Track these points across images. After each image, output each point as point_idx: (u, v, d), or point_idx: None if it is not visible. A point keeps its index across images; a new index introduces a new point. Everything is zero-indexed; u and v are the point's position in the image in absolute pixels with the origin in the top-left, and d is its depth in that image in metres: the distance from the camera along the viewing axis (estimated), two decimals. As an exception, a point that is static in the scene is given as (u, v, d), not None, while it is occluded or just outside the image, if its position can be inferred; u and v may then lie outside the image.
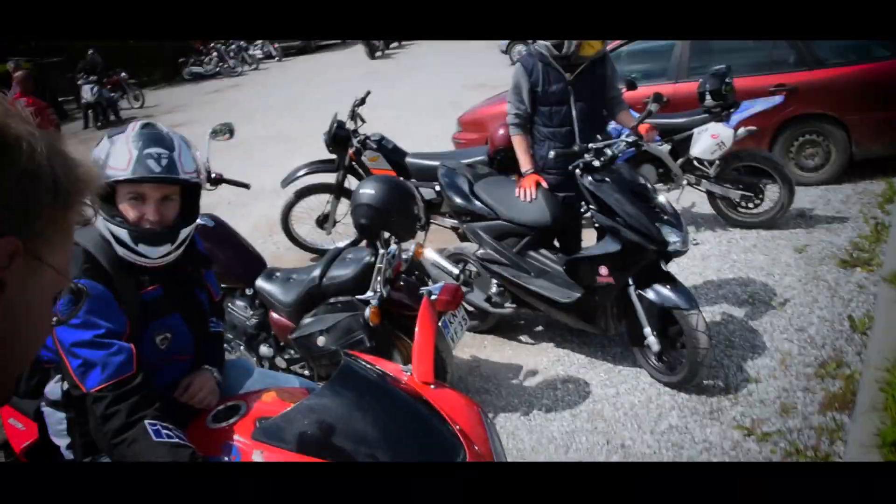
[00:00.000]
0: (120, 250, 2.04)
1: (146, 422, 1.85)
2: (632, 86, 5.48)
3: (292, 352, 3.75)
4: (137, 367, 1.94)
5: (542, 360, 4.29)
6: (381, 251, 3.38)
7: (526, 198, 4.16)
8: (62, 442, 2.17)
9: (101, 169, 1.97)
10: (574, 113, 4.17)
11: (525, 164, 4.30)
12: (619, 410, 3.72)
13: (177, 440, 1.84)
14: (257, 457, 1.85)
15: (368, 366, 2.09)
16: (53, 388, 2.11)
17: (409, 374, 2.26)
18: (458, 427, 2.04)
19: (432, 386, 2.26)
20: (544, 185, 4.19)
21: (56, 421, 2.15)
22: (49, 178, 0.74)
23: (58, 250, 0.79)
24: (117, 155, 1.98)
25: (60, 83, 19.67)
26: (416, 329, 2.43)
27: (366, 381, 1.99)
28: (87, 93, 15.76)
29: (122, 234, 2.01)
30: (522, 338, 4.57)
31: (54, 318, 0.89)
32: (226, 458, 1.95)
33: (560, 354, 4.33)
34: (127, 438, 1.83)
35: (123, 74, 18.31)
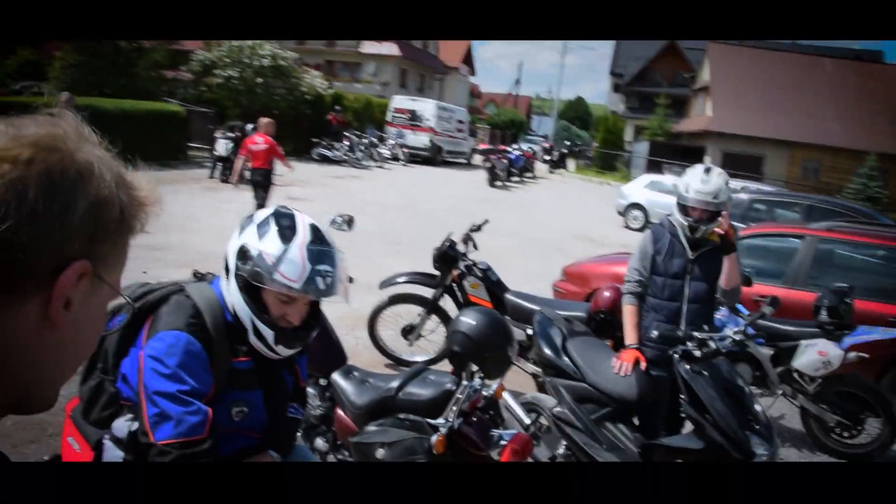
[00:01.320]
0: (253, 340, 2.10)
1: None
2: (747, 281, 5.39)
3: (347, 454, 3.68)
4: (210, 433, 1.92)
5: (593, 537, 4.06)
6: (465, 382, 3.33)
7: (622, 372, 4.05)
8: None
9: (273, 270, 2.01)
10: (687, 291, 4.11)
11: (631, 337, 4.19)
12: None
13: None
14: None
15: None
16: (121, 426, 2.10)
17: None
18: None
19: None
20: (643, 364, 4.09)
21: (113, 458, 2.13)
22: (116, 204, 0.79)
23: (115, 269, 0.83)
24: (291, 265, 2.02)
25: (202, 130, 21.11)
26: None
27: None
28: (222, 147, 16.73)
29: (268, 334, 2.08)
30: (577, 507, 4.36)
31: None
32: None
33: (612, 536, 4.09)
34: None
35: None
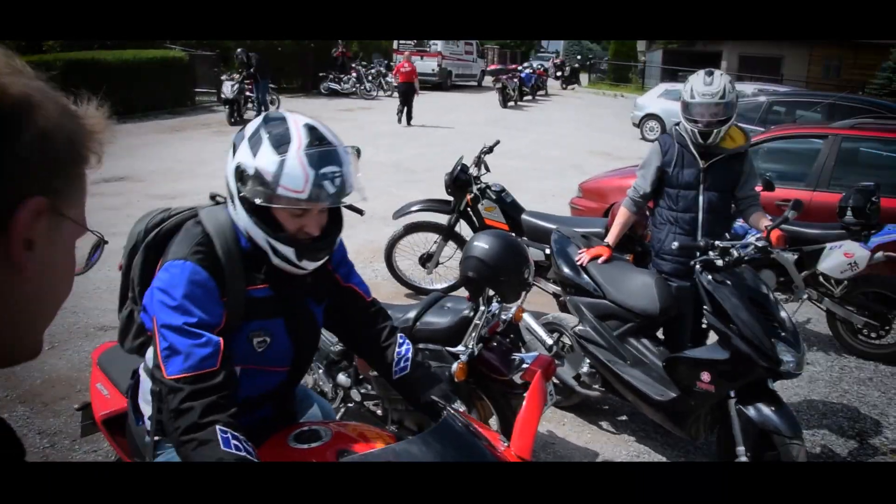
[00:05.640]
0: (276, 261, 1.97)
1: (218, 427, 1.74)
2: (769, 186, 5.27)
3: (369, 387, 3.68)
4: (221, 365, 1.83)
5: (621, 451, 4.08)
6: (482, 308, 3.29)
7: (578, 261, 4.18)
8: (147, 409, 2.12)
9: (274, 186, 1.85)
10: (701, 201, 4.03)
11: (611, 237, 4.27)
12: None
13: (245, 454, 1.73)
14: None
15: (468, 426, 1.98)
16: (150, 355, 2.06)
17: (506, 445, 2.15)
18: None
19: (528, 463, 2.16)
20: (604, 258, 4.19)
21: (147, 389, 2.11)
22: (64, 135, 0.76)
23: (75, 202, 0.81)
24: (292, 175, 1.85)
25: (207, 74, 20.83)
26: (525, 402, 2.36)
27: (462, 441, 1.89)
28: (227, 89, 16.48)
29: (288, 252, 1.94)
30: (604, 424, 4.36)
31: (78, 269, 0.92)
32: None
33: (640, 450, 4.10)
34: (195, 439, 1.74)
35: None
